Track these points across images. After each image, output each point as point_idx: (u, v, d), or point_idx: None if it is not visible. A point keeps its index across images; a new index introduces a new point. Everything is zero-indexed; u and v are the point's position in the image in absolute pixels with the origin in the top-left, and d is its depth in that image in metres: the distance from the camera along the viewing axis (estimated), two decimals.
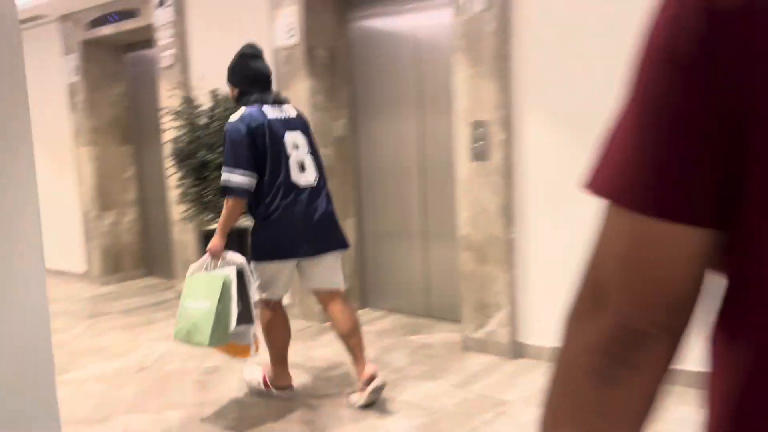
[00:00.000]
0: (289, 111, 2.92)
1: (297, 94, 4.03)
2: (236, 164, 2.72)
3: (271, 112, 2.84)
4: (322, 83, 4.22)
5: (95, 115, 5.80)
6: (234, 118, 2.80)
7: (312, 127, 3.05)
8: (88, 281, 6.01)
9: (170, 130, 4.41)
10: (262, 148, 2.75)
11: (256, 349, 2.82)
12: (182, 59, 4.84)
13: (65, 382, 3.28)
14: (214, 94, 4.28)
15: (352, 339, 2.84)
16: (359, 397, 2.83)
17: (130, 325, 4.47)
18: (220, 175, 2.80)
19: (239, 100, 2.91)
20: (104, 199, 5.85)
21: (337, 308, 2.87)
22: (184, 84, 4.74)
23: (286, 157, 2.79)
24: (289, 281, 2.93)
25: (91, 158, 5.78)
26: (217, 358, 3.36)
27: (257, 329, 2.82)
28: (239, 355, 2.86)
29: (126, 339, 4.17)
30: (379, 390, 2.80)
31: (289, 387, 3.01)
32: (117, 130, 5.97)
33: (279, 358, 2.96)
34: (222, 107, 4.23)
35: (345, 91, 4.36)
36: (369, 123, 4.37)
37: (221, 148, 2.95)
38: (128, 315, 4.78)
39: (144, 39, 5.48)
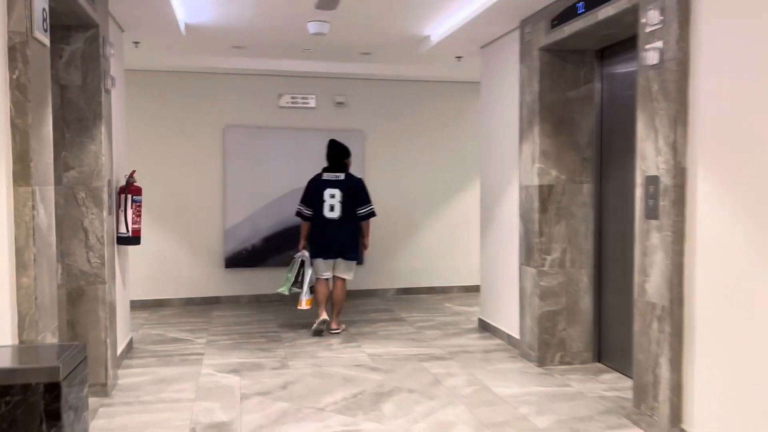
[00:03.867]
0: (338, 176, 5.50)
1: None
2: (304, 202, 5.53)
3: (326, 176, 5.51)
4: None
5: None
6: (311, 177, 5.64)
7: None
8: None
9: None
10: (313, 196, 5.48)
11: (306, 305, 5.45)
12: None
13: None
14: None
15: (336, 303, 5.56)
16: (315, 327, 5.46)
17: None
18: None
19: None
20: None
21: (338, 286, 5.56)
22: None
23: (322, 201, 5.43)
24: (326, 268, 5.53)
25: None
26: None
27: (312, 295, 5.50)
28: (299, 305, 5.48)
29: None
30: (321, 327, 5.40)
31: (323, 320, 5.42)
32: None
33: (320, 304, 5.50)
34: None
35: None
36: None
37: None
38: None
39: None
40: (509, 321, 5.07)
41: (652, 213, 3.24)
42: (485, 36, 5.22)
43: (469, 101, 7.44)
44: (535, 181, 4.49)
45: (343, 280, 5.55)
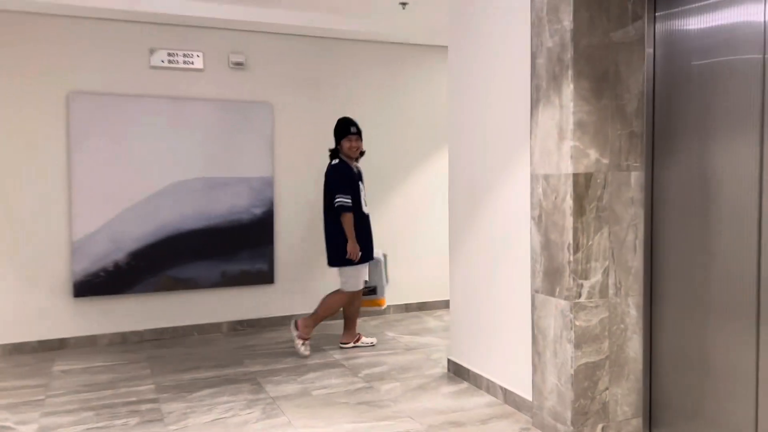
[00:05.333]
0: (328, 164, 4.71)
1: None
2: None
3: None
4: None
5: None
6: None
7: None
8: None
9: None
10: None
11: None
12: None
13: None
14: None
15: (318, 309, 4.69)
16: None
17: None
18: None
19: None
20: None
21: (331, 294, 4.71)
22: None
23: None
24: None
25: None
26: None
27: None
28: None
29: None
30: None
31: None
32: None
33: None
34: None
35: None
36: None
37: None
38: None
39: None
40: (510, 372, 3.51)
41: None
42: None
43: (415, 68, 5.82)
44: (567, 168, 2.94)
45: (339, 290, 4.68)
